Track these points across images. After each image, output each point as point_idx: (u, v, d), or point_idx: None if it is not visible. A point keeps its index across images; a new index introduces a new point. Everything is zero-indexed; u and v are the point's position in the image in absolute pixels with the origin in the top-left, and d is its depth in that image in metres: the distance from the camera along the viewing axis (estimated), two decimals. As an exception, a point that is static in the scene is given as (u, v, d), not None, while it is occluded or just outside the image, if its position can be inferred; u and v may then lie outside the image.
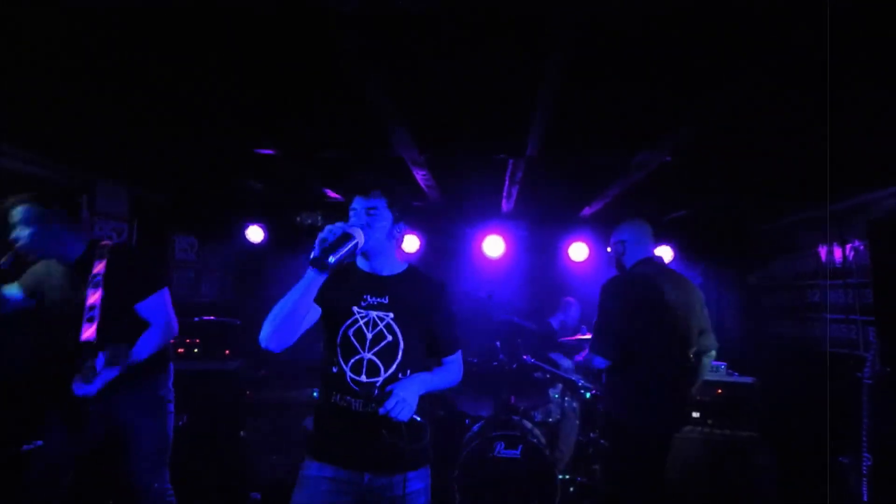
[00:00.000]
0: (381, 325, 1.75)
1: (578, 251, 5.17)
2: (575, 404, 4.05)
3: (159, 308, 2.35)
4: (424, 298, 1.83)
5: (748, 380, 3.77)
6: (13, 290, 2.40)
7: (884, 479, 2.67)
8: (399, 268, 1.87)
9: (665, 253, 5.28)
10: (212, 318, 4.22)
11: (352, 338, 1.73)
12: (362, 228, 1.67)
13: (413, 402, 1.69)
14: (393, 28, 1.89)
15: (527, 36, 1.92)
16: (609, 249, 2.96)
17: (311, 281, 1.61)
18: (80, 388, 2.11)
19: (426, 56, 2.13)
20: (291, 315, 1.62)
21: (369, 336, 1.73)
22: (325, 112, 2.78)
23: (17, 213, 2.21)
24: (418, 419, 1.75)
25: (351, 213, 1.78)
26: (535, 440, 3.43)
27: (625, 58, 2.09)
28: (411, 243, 5.29)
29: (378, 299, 1.77)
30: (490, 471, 3.40)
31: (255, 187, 4.45)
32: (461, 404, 4.11)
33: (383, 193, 1.79)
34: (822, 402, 3.20)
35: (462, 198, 4.73)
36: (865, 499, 2.68)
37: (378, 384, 1.71)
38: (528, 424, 3.71)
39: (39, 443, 2.39)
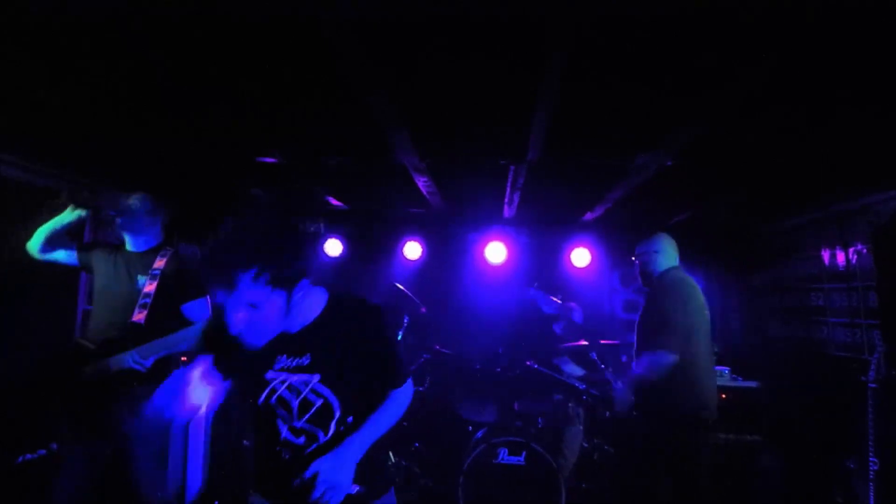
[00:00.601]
0: (305, 391, 1.45)
1: (580, 256, 5.16)
2: (579, 410, 4.03)
3: (203, 310, 2.56)
4: (355, 337, 1.48)
5: (752, 384, 3.76)
6: (71, 255, 2.72)
7: (890, 483, 2.65)
8: (315, 311, 1.49)
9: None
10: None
11: (275, 407, 1.47)
12: (245, 333, 1.33)
13: (345, 479, 1.40)
14: (393, 35, 1.90)
15: (526, 40, 1.93)
16: (634, 259, 3.15)
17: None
18: (134, 363, 2.33)
19: (426, 62, 2.14)
20: None
21: (295, 404, 1.45)
22: (327, 119, 2.80)
23: (134, 200, 2.65)
24: (358, 489, 1.45)
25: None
26: (539, 446, 3.42)
27: (625, 60, 2.10)
28: (413, 250, 5.30)
29: (297, 360, 1.46)
30: (494, 477, 3.39)
31: (258, 195, 4.47)
32: (464, 410, 4.10)
33: (257, 275, 1.27)
34: (827, 406, 3.19)
35: (463, 204, 4.74)
36: (872, 502, 2.66)
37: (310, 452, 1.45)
38: (532, 430, 3.69)
39: (54, 446, 2.50)
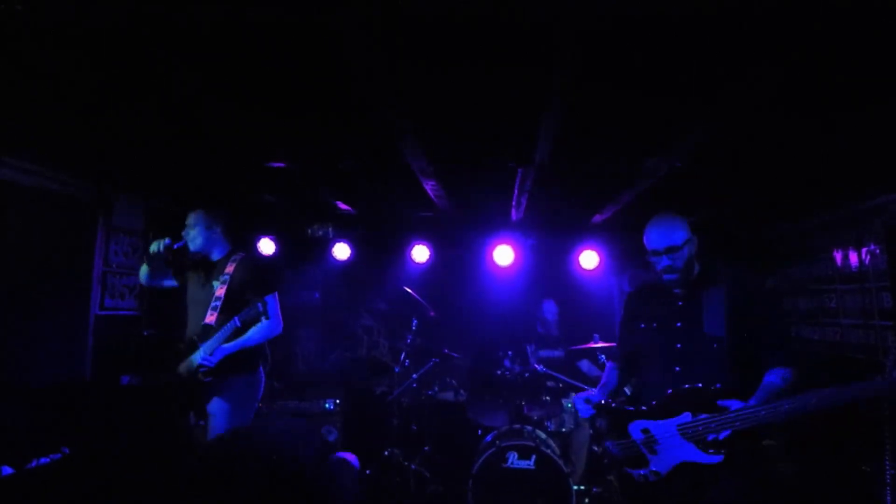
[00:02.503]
0: None
1: (589, 259, 5.14)
2: (588, 414, 4.01)
3: (270, 306, 2.71)
4: None
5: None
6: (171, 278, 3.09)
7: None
8: None
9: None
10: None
11: None
12: None
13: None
14: (402, 39, 1.91)
15: (535, 43, 1.93)
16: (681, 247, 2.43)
17: None
18: (201, 359, 2.64)
19: (434, 66, 2.15)
20: None
21: None
22: (335, 123, 2.82)
23: (191, 217, 2.95)
24: None
25: None
26: (548, 450, 3.40)
27: (634, 62, 2.09)
28: (421, 254, 5.31)
29: None
30: (503, 482, 3.38)
31: (267, 200, 4.50)
32: (473, 414, 4.09)
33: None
34: (843, 409, 3.14)
35: (471, 207, 4.74)
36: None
37: None
38: (542, 434, 3.68)
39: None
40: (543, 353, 4.40)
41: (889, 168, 3.11)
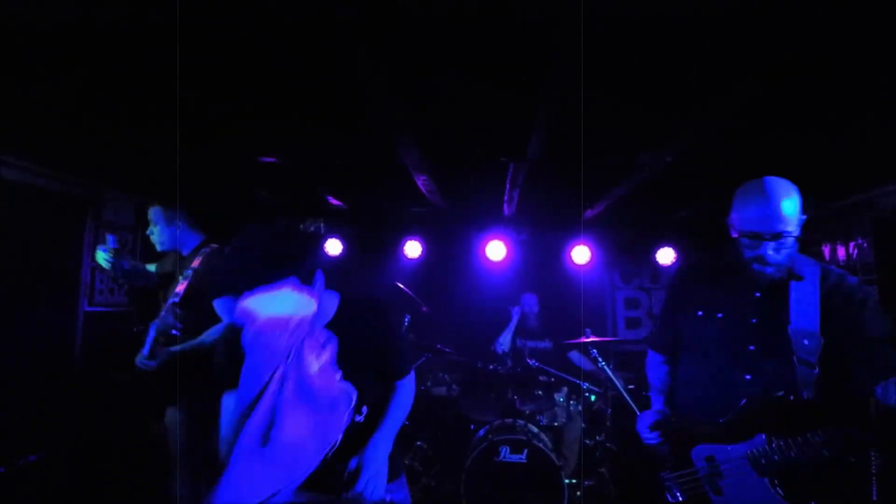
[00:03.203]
0: None
1: (581, 254, 5.16)
2: (580, 407, 4.03)
3: (229, 310, 2.52)
4: (366, 334, 1.59)
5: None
6: (151, 268, 2.92)
7: (893, 478, 2.63)
8: (330, 313, 1.59)
9: (667, 254, 5.27)
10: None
11: None
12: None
13: (384, 470, 1.54)
14: (395, 33, 1.91)
15: (528, 40, 1.93)
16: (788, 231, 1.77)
17: None
18: (139, 363, 2.42)
19: (428, 61, 2.15)
20: None
21: None
22: (327, 119, 2.80)
23: (150, 213, 2.75)
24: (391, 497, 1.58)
25: None
26: (540, 444, 3.42)
27: (627, 59, 2.10)
28: (413, 249, 5.30)
29: None
30: (496, 476, 3.39)
31: (259, 195, 4.48)
32: (466, 409, 4.10)
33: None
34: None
35: (463, 202, 4.74)
36: (875, 498, 2.65)
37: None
38: (534, 429, 3.69)
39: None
40: (531, 343, 4.43)
41: (875, 162, 3.14)
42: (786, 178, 1.69)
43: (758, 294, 1.75)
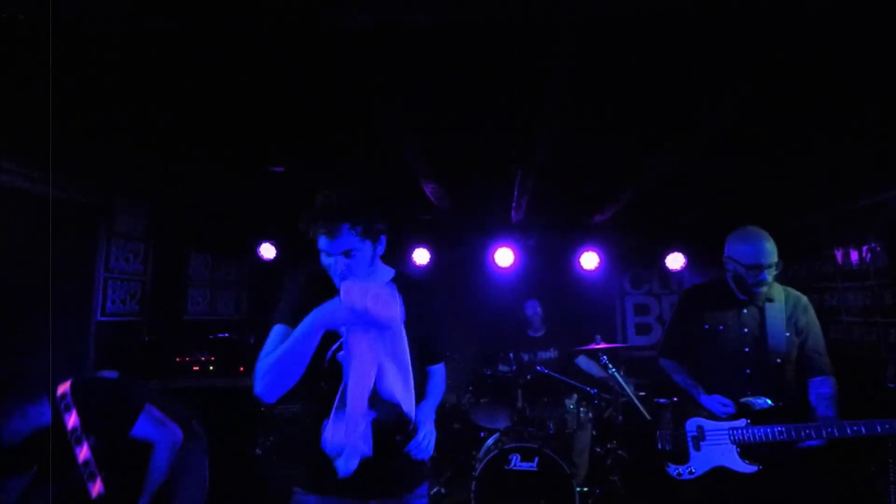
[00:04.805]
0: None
1: (589, 259, 5.14)
2: (591, 414, 4.00)
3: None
4: (418, 310, 1.62)
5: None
6: None
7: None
8: (386, 279, 1.68)
9: (677, 259, 5.24)
10: (226, 335, 4.27)
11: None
12: (342, 277, 1.49)
13: (434, 435, 1.65)
14: (402, 40, 1.92)
15: (534, 44, 1.94)
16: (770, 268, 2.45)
17: (317, 329, 1.44)
18: None
19: (434, 67, 2.16)
20: (293, 366, 1.44)
21: None
22: (335, 127, 2.82)
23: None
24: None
25: (322, 255, 1.55)
26: (551, 452, 3.39)
27: (633, 62, 2.10)
28: (421, 256, 5.31)
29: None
30: (506, 484, 3.37)
31: (269, 205, 4.51)
32: (476, 417, 4.08)
33: (353, 225, 1.50)
34: (845, 406, 3.13)
35: (471, 209, 4.75)
36: (894, 506, 2.60)
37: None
38: (544, 436, 3.67)
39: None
40: (538, 356, 4.38)
41: (889, 165, 3.11)
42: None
43: (745, 311, 2.36)
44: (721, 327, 2.38)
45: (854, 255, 3.85)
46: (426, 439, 1.60)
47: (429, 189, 3.85)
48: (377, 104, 2.38)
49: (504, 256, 5.14)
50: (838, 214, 4.02)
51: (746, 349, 2.32)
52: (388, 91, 2.26)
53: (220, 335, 4.23)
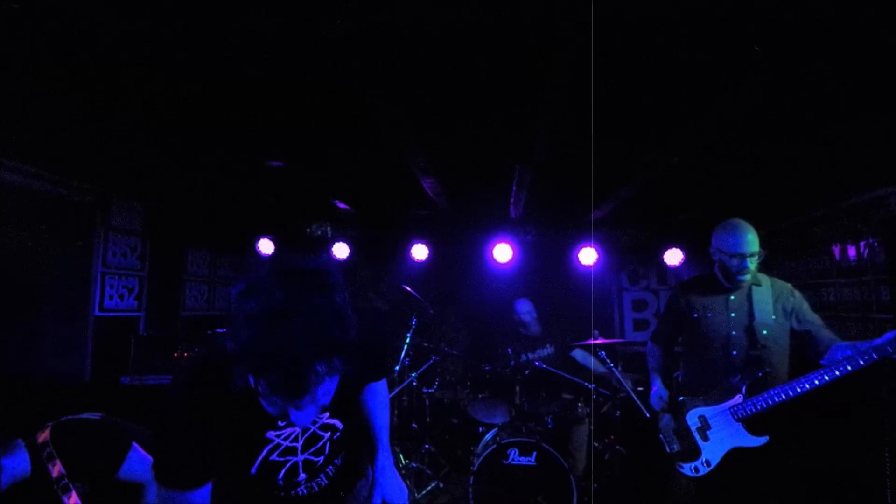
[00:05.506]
0: (313, 428, 1.34)
1: (587, 255, 5.15)
2: (588, 409, 4.02)
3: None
4: (358, 372, 1.28)
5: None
6: None
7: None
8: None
9: (675, 255, 5.24)
10: (223, 330, 4.26)
11: (274, 464, 1.31)
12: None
13: (404, 492, 1.58)
14: (399, 37, 1.91)
15: (532, 40, 1.94)
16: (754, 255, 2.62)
17: None
18: None
19: (432, 63, 2.15)
20: None
21: (299, 445, 1.33)
22: (332, 123, 2.81)
23: None
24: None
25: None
26: (549, 446, 3.41)
27: (631, 60, 2.09)
28: (419, 251, 5.31)
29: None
30: (505, 478, 3.38)
31: (267, 200, 4.50)
32: (474, 412, 4.09)
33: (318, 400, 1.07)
34: (841, 403, 3.15)
35: (470, 204, 4.75)
36: (889, 500, 2.62)
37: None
38: (542, 431, 3.68)
39: None
40: (534, 354, 4.37)
41: (886, 161, 3.11)
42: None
43: (732, 297, 2.52)
44: (709, 314, 2.54)
45: (851, 251, 3.86)
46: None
47: (427, 184, 3.84)
48: (375, 100, 2.38)
49: (502, 252, 5.14)
50: (835, 210, 4.03)
51: (734, 332, 2.45)
52: (387, 87, 2.26)
53: (219, 330, 4.23)
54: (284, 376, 0.98)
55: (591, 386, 3.87)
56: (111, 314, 3.95)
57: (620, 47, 1.98)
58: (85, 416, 2.19)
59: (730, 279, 2.49)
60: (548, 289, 5.00)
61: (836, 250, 4.05)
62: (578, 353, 4.47)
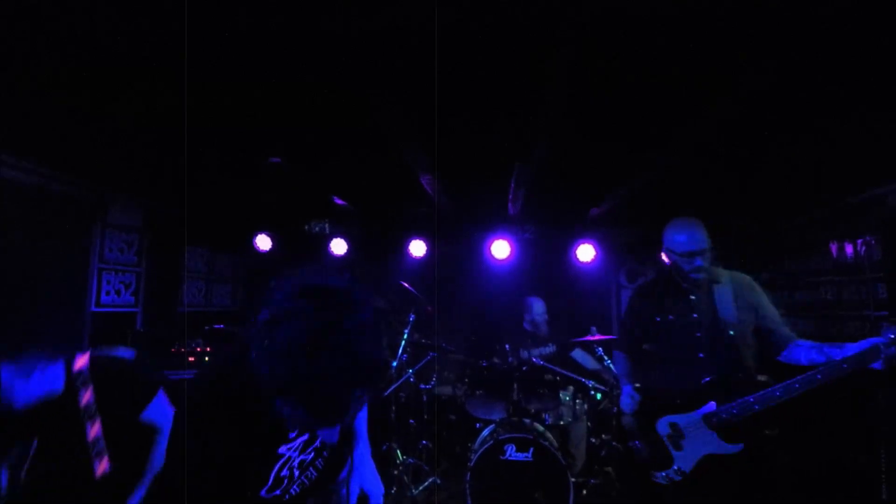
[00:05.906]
0: (318, 436, 1.38)
1: (585, 252, 5.15)
2: (586, 406, 4.02)
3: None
4: None
5: (762, 377, 3.73)
6: None
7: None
8: None
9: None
10: (221, 326, 4.26)
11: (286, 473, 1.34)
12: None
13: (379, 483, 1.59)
14: (398, 36, 1.91)
15: (533, 38, 1.93)
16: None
17: None
18: None
19: (431, 62, 2.14)
20: None
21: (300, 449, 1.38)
22: (332, 122, 2.81)
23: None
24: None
25: None
26: (546, 443, 3.41)
27: (632, 59, 2.09)
28: (418, 248, 5.31)
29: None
30: (502, 474, 3.38)
31: (266, 197, 4.49)
32: (471, 408, 4.09)
33: None
34: (839, 400, 3.16)
35: (468, 201, 4.74)
36: (885, 497, 2.63)
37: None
38: (540, 427, 3.68)
39: None
40: (535, 351, 4.38)
41: (883, 159, 3.11)
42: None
43: (693, 297, 2.39)
44: (671, 317, 2.42)
45: (849, 249, 3.86)
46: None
47: (426, 181, 3.84)
48: (376, 99, 2.37)
49: (501, 249, 5.14)
50: (833, 209, 4.03)
51: (698, 334, 2.33)
52: (387, 87, 2.25)
53: (216, 326, 4.23)
54: (324, 406, 0.97)
55: (589, 383, 3.87)
56: (108, 310, 3.94)
57: (620, 47, 1.98)
58: (119, 352, 2.24)
59: (685, 279, 2.38)
60: (546, 286, 5.00)
61: (834, 248, 4.05)
62: (578, 354, 4.48)
